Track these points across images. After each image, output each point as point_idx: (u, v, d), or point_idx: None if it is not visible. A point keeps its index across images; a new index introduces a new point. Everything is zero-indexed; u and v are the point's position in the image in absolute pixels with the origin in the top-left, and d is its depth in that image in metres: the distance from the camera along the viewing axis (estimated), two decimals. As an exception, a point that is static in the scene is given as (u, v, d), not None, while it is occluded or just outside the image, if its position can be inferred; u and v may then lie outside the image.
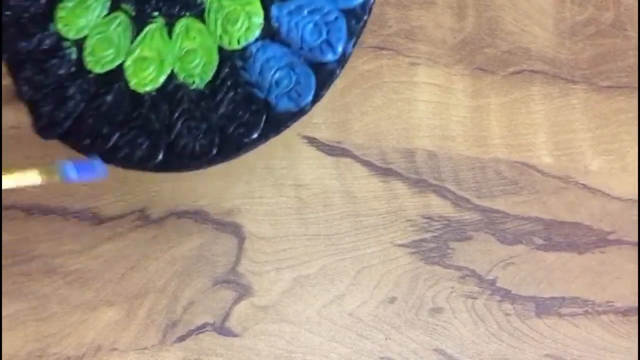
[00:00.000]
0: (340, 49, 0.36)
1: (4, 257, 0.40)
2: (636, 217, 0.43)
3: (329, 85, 0.36)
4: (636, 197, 0.43)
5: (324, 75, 0.36)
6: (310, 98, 0.36)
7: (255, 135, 0.37)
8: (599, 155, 0.43)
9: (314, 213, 0.41)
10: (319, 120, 0.41)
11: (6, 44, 0.38)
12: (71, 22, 0.38)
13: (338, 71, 0.36)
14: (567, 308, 0.42)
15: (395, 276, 0.41)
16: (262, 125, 0.37)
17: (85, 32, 0.38)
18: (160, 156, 0.37)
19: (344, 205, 0.41)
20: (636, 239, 0.43)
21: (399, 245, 0.42)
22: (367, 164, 0.42)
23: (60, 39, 0.38)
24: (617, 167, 0.43)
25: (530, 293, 0.42)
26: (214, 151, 0.37)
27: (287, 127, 0.37)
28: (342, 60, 0.36)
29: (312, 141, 0.41)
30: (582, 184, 0.43)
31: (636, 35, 0.44)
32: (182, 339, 0.40)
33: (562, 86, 0.43)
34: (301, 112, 0.36)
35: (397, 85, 0.42)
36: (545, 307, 0.42)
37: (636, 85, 0.43)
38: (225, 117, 0.37)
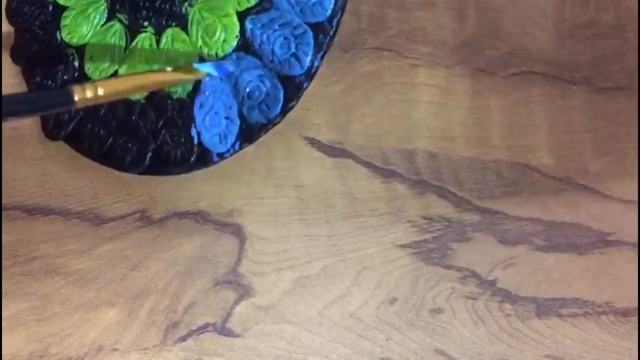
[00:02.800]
0: (307, 63, 0.36)
1: (5, 257, 0.40)
2: (636, 218, 0.43)
3: (298, 98, 0.37)
4: (636, 198, 0.43)
5: (292, 88, 0.37)
6: (278, 111, 0.37)
7: (229, 145, 0.37)
8: (599, 156, 0.43)
9: (314, 214, 0.41)
10: (320, 121, 0.41)
11: (20, 49, 0.40)
12: (73, 31, 0.39)
13: (306, 84, 0.37)
14: (567, 309, 0.43)
15: (396, 277, 0.42)
16: (236, 135, 0.37)
17: (86, 40, 0.39)
18: (147, 161, 0.38)
19: (344, 206, 0.41)
20: (636, 240, 0.43)
21: (400, 246, 0.42)
22: (367, 164, 0.42)
23: (65, 46, 0.40)
24: (617, 168, 0.43)
25: (530, 294, 0.42)
26: (193, 159, 0.38)
27: (260, 137, 0.37)
28: (309, 74, 0.37)
29: (313, 142, 0.41)
30: (582, 185, 0.43)
31: (636, 36, 0.44)
32: (183, 339, 0.40)
33: (562, 87, 0.43)
34: (271, 123, 0.37)
35: (398, 87, 0.42)
36: (545, 307, 0.42)
37: (636, 86, 0.44)
38: (203, 126, 0.38)
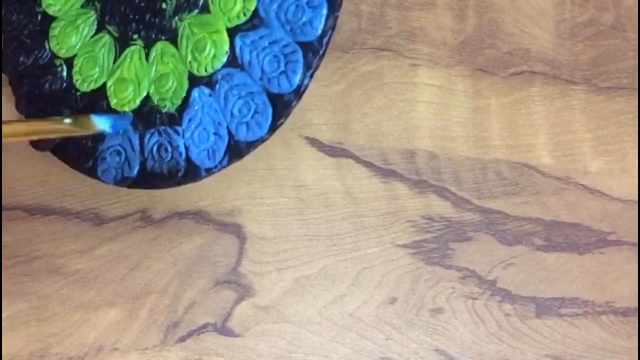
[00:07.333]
0: (296, 81, 0.36)
1: (5, 257, 0.40)
2: (636, 218, 0.43)
3: (287, 116, 0.37)
4: (636, 198, 0.43)
5: (281, 106, 0.36)
6: (266, 129, 0.37)
7: (217, 161, 0.37)
8: (598, 156, 0.43)
9: (315, 214, 0.41)
10: (320, 121, 0.41)
11: (8, 58, 0.40)
12: (62, 41, 0.39)
13: (295, 102, 0.37)
14: (567, 308, 0.43)
15: (395, 277, 0.42)
16: (224, 151, 0.37)
17: (75, 51, 0.39)
18: (134, 174, 0.38)
19: (344, 206, 0.42)
20: (636, 240, 0.43)
21: (400, 246, 0.42)
22: (367, 164, 0.42)
23: (53, 56, 0.39)
24: (617, 168, 0.43)
25: (530, 293, 0.42)
26: (180, 174, 0.38)
27: (249, 153, 0.37)
28: (299, 92, 0.36)
29: (313, 142, 0.41)
30: (582, 185, 0.43)
31: (636, 36, 0.44)
32: (183, 339, 0.40)
33: (562, 87, 0.43)
34: (260, 140, 0.37)
35: (398, 86, 0.42)
36: (545, 307, 0.42)
37: (636, 86, 0.44)
38: (191, 141, 0.38)
